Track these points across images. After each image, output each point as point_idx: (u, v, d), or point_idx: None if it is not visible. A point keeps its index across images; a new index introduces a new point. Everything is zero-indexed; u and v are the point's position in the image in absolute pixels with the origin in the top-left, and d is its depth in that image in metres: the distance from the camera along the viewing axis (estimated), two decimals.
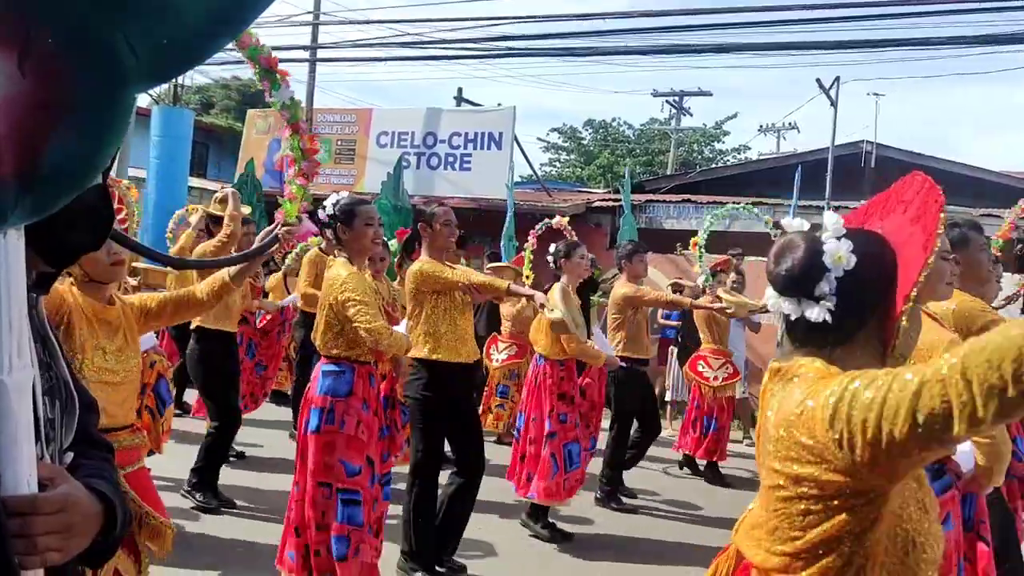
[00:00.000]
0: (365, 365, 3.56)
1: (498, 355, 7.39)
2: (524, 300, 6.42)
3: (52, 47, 0.85)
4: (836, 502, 1.26)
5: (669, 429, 8.60)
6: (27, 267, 0.97)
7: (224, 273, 3.04)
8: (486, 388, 7.47)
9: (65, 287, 2.50)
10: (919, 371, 1.11)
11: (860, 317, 1.40)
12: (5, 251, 0.92)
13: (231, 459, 6.01)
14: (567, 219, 7.42)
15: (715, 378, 6.81)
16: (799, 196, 10.16)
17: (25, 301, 0.95)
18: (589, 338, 5.10)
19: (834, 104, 11.24)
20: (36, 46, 0.84)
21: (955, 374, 1.05)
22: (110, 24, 0.86)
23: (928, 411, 1.08)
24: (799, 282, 1.42)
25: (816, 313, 1.40)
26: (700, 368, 6.90)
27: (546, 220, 7.59)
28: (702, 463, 6.92)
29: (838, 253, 1.40)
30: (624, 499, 5.87)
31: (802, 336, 1.45)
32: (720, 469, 6.90)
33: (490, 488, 5.64)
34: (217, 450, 5.09)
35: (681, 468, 7.06)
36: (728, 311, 6.31)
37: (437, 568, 4.16)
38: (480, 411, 7.42)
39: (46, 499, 0.95)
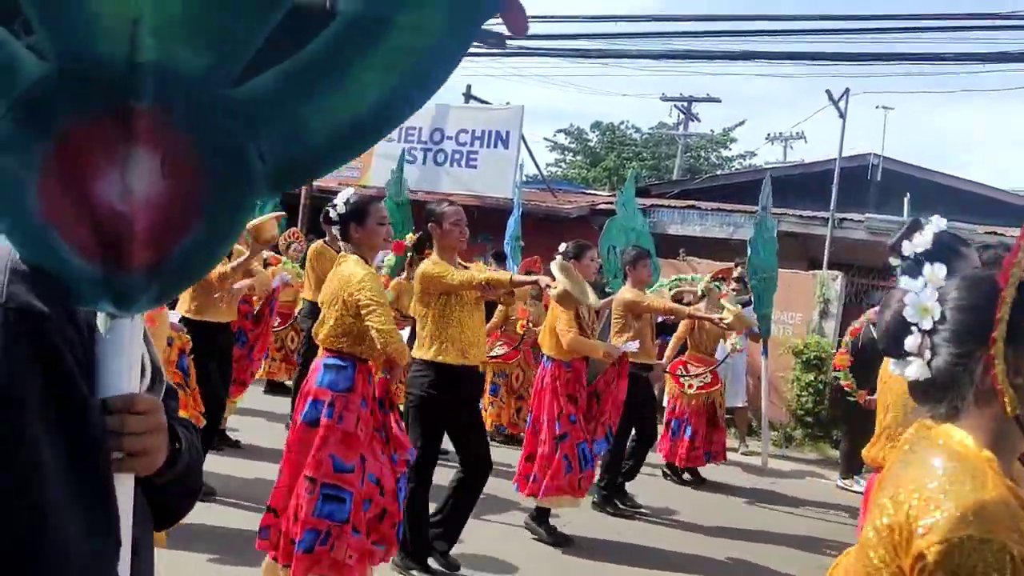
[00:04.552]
0: (365, 363, 3.53)
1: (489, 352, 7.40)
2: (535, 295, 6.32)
3: (193, 152, 0.95)
4: None
5: None
6: None
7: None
8: None
9: None
10: None
11: (961, 374, 1.23)
12: (132, 333, 1.01)
13: (222, 448, 6.00)
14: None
15: (689, 385, 6.81)
16: (806, 206, 10.13)
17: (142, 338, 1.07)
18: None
19: (843, 116, 11.19)
20: (179, 150, 0.94)
21: None
22: (246, 136, 0.97)
23: None
24: (890, 341, 1.31)
25: (913, 371, 1.26)
26: (678, 373, 6.90)
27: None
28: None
29: (923, 305, 1.25)
30: (621, 505, 5.84)
31: (920, 397, 1.30)
32: (701, 473, 6.93)
33: (491, 489, 5.64)
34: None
35: (665, 476, 6.97)
36: (725, 322, 6.26)
37: (431, 563, 4.15)
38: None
39: (141, 397, 1.02)
